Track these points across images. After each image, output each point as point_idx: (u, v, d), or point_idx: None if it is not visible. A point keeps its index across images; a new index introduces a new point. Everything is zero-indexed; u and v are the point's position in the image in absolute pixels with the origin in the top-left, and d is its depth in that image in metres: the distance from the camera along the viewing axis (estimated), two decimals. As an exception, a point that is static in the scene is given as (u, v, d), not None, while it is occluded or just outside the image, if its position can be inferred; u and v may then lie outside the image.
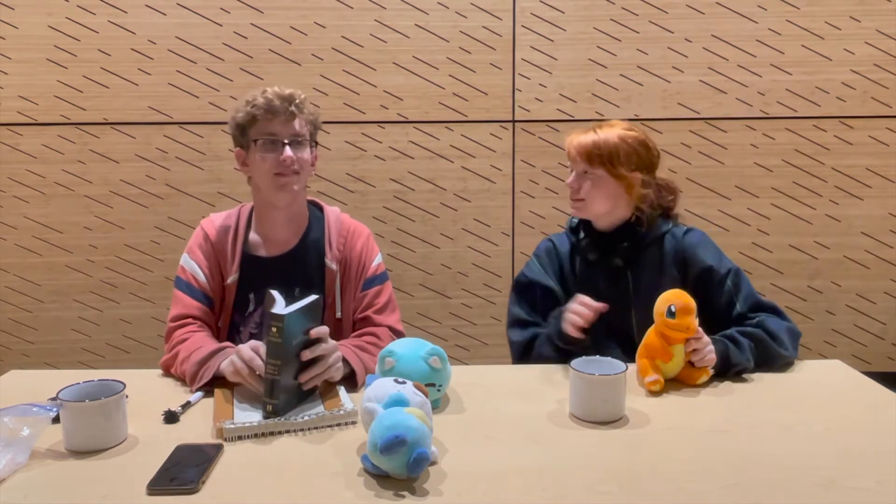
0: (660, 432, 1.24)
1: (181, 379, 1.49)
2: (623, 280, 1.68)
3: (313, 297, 1.36)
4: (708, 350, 1.43)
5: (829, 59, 2.69)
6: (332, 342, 1.41)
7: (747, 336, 1.52)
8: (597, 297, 1.57)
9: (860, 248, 2.80)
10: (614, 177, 1.63)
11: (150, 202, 2.70)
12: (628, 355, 1.51)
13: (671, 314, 1.39)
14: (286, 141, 1.59)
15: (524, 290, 1.74)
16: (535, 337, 1.66)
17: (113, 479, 1.07)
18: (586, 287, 1.64)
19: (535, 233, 2.77)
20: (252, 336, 1.66)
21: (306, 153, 1.63)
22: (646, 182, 1.65)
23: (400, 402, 1.11)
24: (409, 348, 1.35)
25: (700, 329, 1.43)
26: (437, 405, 1.34)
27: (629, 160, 1.63)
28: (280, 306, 1.29)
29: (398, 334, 1.66)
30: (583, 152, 1.64)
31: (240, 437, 1.20)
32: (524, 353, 1.67)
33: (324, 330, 1.37)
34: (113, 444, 1.17)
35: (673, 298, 1.41)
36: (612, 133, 1.64)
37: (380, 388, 1.15)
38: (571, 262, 1.74)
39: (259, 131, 1.60)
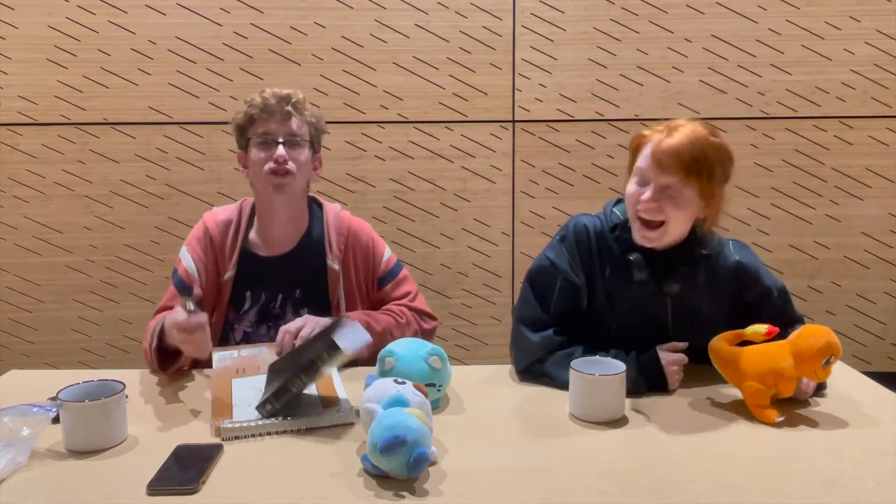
0: (660, 432, 1.24)
1: (165, 370, 1.50)
2: (661, 300, 1.42)
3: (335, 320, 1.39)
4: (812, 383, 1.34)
5: (829, 59, 2.69)
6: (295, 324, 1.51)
7: None
8: (627, 311, 1.42)
9: (860, 248, 2.80)
10: (704, 196, 1.33)
11: (150, 202, 2.70)
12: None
13: (828, 363, 1.26)
14: (281, 140, 1.59)
15: (547, 277, 1.45)
16: (557, 346, 1.42)
17: (113, 479, 1.07)
18: (614, 295, 1.43)
19: (535, 233, 2.76)
20: (246, 334, 1.66)
21: (303, 154, 1.62)
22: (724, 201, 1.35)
23: (400, 402, 1.11)
24: (408, 348, 1.35)
25: None
26: (437, 405, 1.34)
27: (722, 175, 1.33)
28: (346, 340, 1.23)
29: (426, 315, 1.74)
30: (682, 161, 1.28)
31: (237, 437, 1.20)
32: (538, 361, 1.43)
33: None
34: (113, 444, 1.17)
35: (835, 348, 1.25)
36: (701, 138, 1.31)
37: (380, 388, 1.15)
38: (602, 261, 1.44)
39: (255, 130, 1.62)
